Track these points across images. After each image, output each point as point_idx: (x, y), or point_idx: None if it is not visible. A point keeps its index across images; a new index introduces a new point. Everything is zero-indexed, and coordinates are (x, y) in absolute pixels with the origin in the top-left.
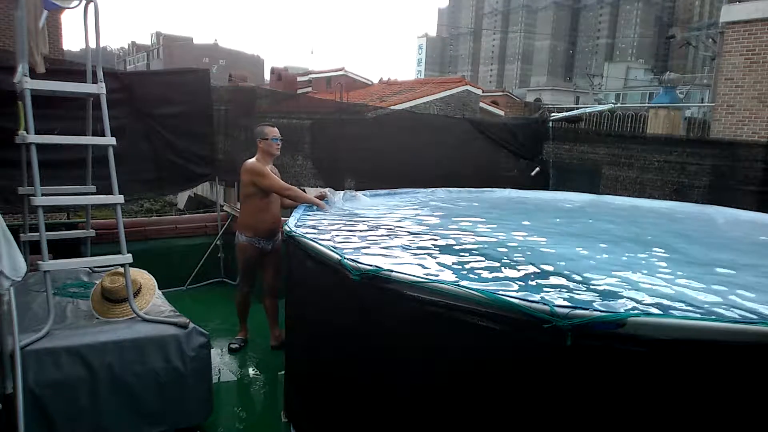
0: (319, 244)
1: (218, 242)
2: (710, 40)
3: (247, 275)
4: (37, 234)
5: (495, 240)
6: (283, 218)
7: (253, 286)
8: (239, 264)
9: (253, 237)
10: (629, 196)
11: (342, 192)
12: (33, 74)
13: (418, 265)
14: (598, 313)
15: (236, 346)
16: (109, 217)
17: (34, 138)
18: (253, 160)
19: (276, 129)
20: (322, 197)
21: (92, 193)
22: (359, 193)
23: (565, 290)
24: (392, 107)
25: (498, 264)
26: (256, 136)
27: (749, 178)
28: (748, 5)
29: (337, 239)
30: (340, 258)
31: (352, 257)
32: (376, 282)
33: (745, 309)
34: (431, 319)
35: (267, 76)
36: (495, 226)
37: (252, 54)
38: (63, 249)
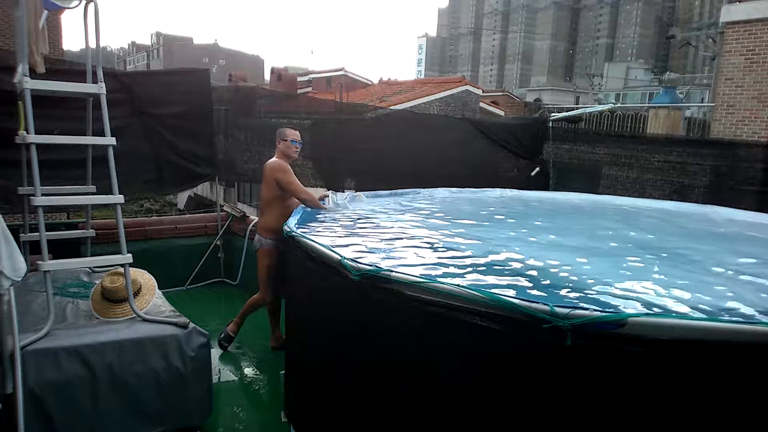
0: (319, 244)
1: (218, 242)
2: (710, 40)
3: (272, 281)
4: (37, 234)
5: (493, 242)
6: None
7: (278, 293)
8: (262, 270)
9: (277, 240)
10: (629, 196)
11: (344, 194)
12: (33, 74)
13: (419, 264)
14: (598, 313)
15: (225, 344)
16: (109, 217)
17: (34, 138)
18: (275, 159)
19: (297, 132)
20: (321, 198)
21: (92, 193)
22: (360, 194)
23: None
24: (392, 107)
25: (500, 267)
26: (277, 137)
27: (749, 178)
28: (748, 5)
29: (340, 241)
30: (340, 258)
31: (352, 257)
32: (376, 282)
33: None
34: (431, 319)
35: (267, 76)
36: (492, 227)
37: (252, 54)
38: (63, 249)
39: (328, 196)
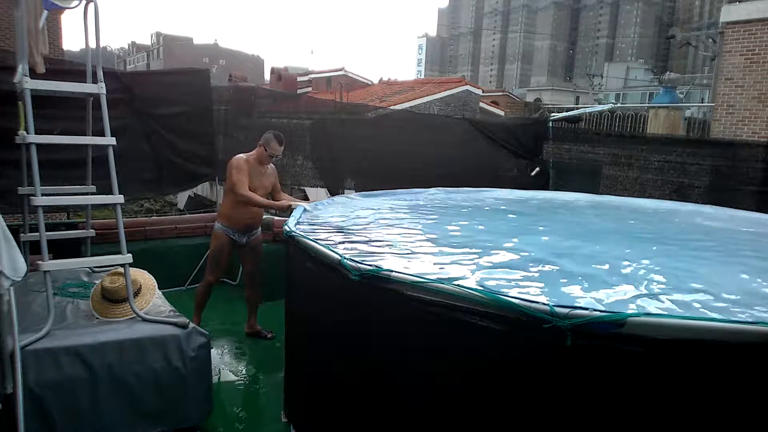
0: (319, 244)
1: None
2: (710, 40)
3: (216, 263)
4: (37, 234)
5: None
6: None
7: (218, 278)
8: (211, 250)
9: (228, 227)
10: (629, 196)
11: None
12: (33, 74)
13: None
14: (598, 313)
15: None
16: (109, 217)
17: (34, 138)
18: (242, 154)
19: (281, 148)
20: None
21: (92, 193)
22: (357, 195)
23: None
24: (392, 107)
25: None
26: (262, 141)
27: (749, 178)
28: (748, 5)
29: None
30: (340, 258)
31: (352, 257)
32: (376, 282)
33: None
34: (431, 319)
35: (267, 76)
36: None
37: (252, 54)
38: (63, 249)
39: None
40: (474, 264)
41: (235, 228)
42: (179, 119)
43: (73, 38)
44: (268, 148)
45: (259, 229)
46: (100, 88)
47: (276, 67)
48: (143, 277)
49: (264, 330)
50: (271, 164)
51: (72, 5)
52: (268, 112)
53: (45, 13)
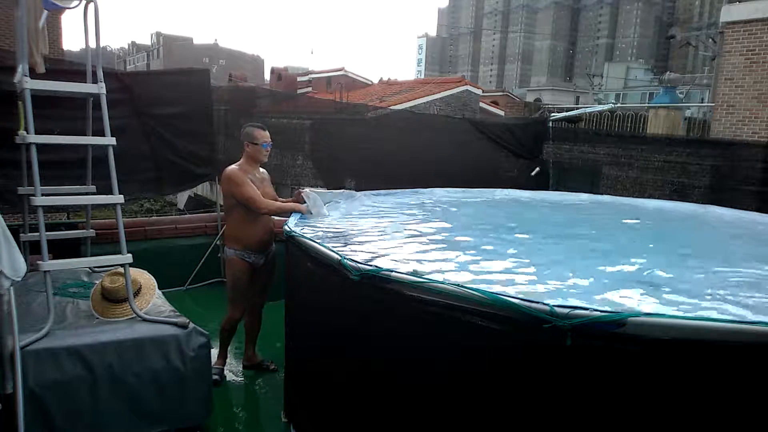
0: (319, 244)
1: (218, 242)
2: (710, 40)
3: (239, 295)
4: (37, 234)
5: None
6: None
7: (245, 310)
8: (228, 281)
9: (242, 250)
10: (629, 196)
11: (327, 193)
12: (33, 74)
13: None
14: (598, 313)
15: (217, 378)
16: (109, 217)
17: (34, 138)
18: (234, 166)
19: (267, 133)
20: (300, 199)
21: (92, 193)
22: (359, 194)
23: None
24: (392, 107)
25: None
26: (243, 138)
27: (749, 178)
28: (748, 5)
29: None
30: (340, 258)
31: (353, 257)
32: (376, 282)
33: None
34: (431, 319)
35: (267, 76)
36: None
37: (252, 54)
38: (63, 249)
39: (307, 194)
40: None
41: (251, 249)
42: (179, 119)
43: (73, 38)
44: (258, 141)
45: (274, 245)
46: (100, 88)
47: (276, 67)
48: (143, 277)
49: (265, 361)
50: (263, 169)
51: (72, 5)
52: (268, 112)
53: (45, 13)
